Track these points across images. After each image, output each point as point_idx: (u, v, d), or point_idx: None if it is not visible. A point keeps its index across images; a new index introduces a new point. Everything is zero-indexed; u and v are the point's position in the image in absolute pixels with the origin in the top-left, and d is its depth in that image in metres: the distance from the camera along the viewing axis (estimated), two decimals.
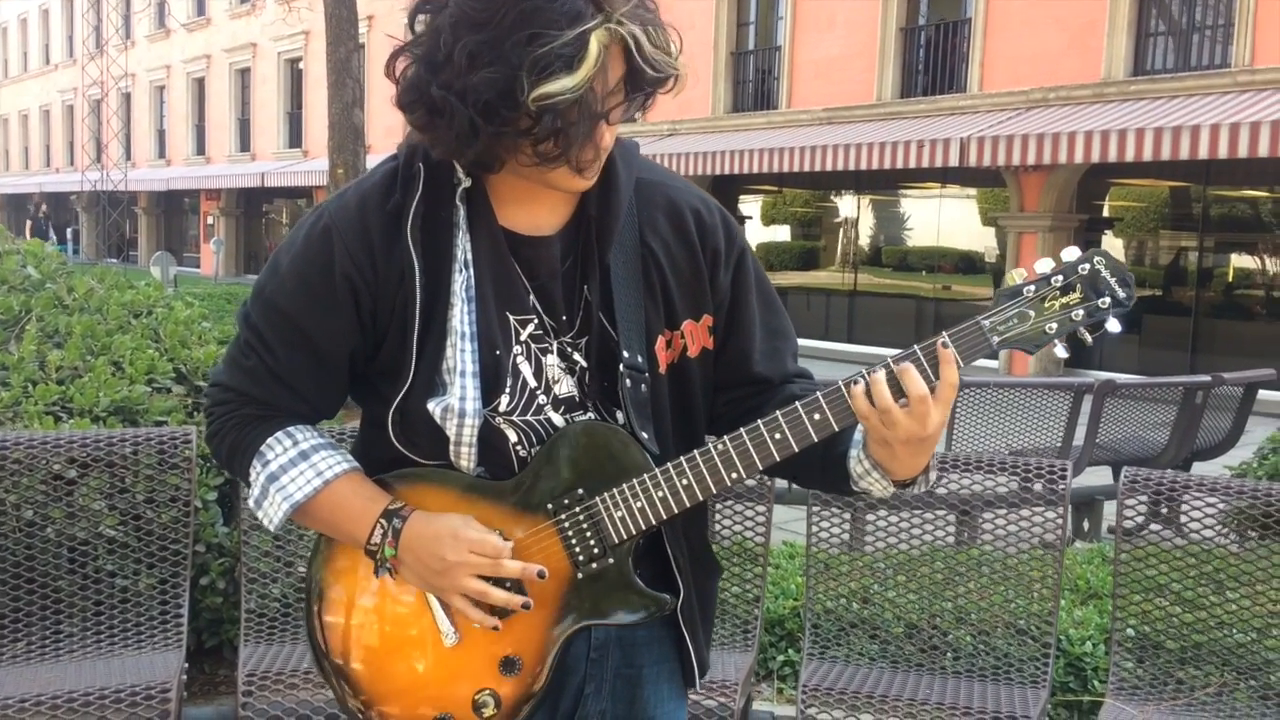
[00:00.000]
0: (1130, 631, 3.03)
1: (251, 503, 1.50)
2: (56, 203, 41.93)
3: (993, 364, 14.82)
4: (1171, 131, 11.71)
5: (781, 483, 4.81)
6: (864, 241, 18.23)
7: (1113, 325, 1.38)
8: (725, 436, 1.40)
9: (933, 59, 16.35)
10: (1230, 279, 14.02)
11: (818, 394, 1.39)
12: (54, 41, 42.14)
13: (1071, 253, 1.39)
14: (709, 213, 1.53)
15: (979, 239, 16.52)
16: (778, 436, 1.38)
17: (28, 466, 2.95)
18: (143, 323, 3.85)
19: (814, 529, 3.23)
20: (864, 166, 15.08)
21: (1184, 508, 3.07)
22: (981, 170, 14.54)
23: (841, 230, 18.66)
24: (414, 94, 1.31)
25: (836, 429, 1.39)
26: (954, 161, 13.88)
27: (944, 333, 1.37)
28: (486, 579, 1.40)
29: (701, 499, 1.41)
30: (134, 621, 3.01)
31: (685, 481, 1.40)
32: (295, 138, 30.06)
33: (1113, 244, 15.46)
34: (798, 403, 1.39)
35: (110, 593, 3.04)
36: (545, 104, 1.24)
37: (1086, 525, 5.86)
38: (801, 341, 1.63)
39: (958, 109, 15.19)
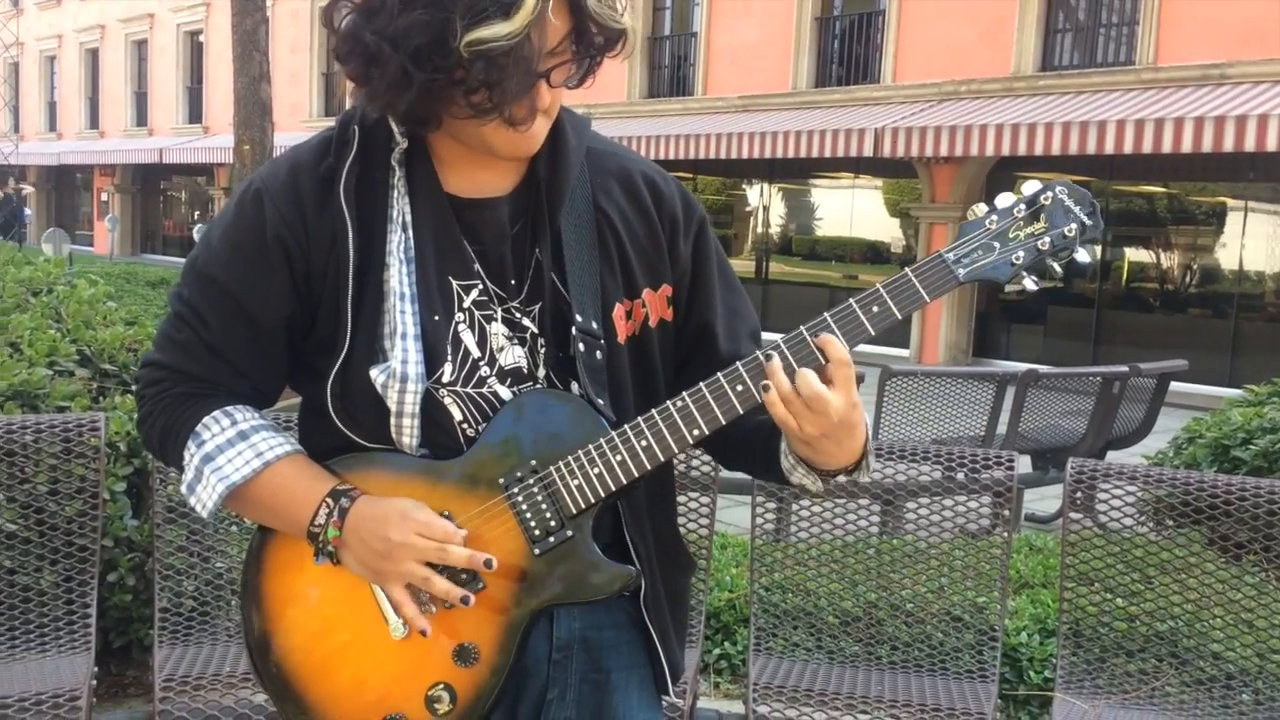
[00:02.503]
0: (1068, 624, 3.03)
1: (184, 488, 1.39)
2: None
3: (904, 352, 15.06)
4: (1079, 126, 11.98)
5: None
6: (775, 230, 18.33)
7: (1081, 255, 1.35)
8: (684, 392, 1.33)
9: (847, 49, 16.48)
10: (1129, 272, 14.43)
11: (778, 341, 1.32)
12: None
13: (1032, 185, 1.36)
14: (664, 182, 1.49)
15: (889, 229, 16.73)
16: (739, 388, 1.31)
17: None
18: (42, 301, 3.60)
19: (757, 520, 3.16)
20: (778, 155, 15.15)
21: (1104, 496, 3.08)
22: (894, 161, 14.73)
23: (753, 218, 18.74)
24: (350, 43, 1.25)
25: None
26: (868, 152, 14.02)
27: (907, 269, 1.33)
28: (432, 567, 1.30)
29: (663, 459, 1.33)
30: (37, 622, 2.80)
31: (645, 443, 1.32)
32: (195, 113, 29.14)
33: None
34: (758, 352, 1.33)
35: (10, 592, 2.82)
36: (478, 49, 1.19)
37: (1007, 514, 5.92)
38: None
39: (871, 100, 15.34)
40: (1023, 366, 7.06)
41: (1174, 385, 6.64)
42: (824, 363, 1.29)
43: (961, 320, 15.11)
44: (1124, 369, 5.95)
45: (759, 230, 18.52)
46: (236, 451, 1.35)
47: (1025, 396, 5.61)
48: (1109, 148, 11.80)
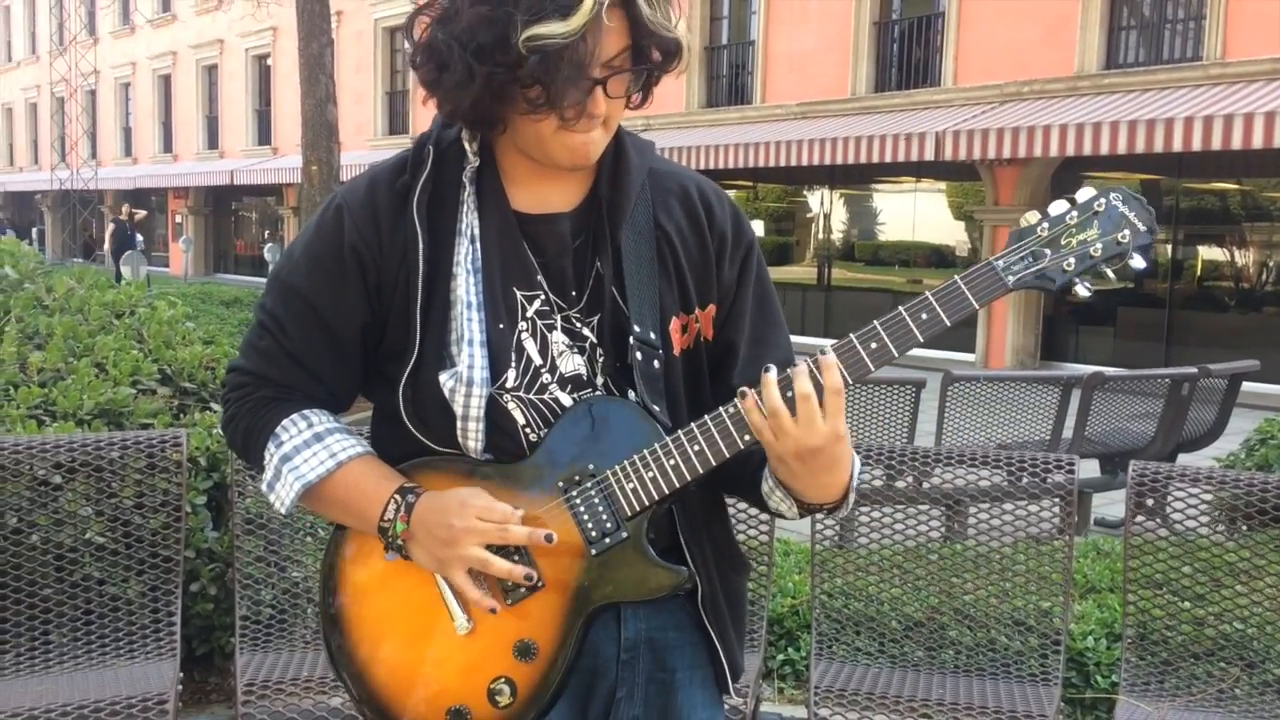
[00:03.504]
0: (1134, 628, 3.01)
1: (264, 486, 1.47)
2: (20, 202, 41.33)
3: (970, 357, 14.92)
4: (1145, 125, 11.78)
5: None
6: (837, 236, 18.25)
7: (1136, 261, 1.36)
8: (736, 400, 1.37)
9: (906, 53, 16.38)
10: (1202, 271, 14.14)
11: (828, 350, 1.35)
12: (16, 38, 41.51)
13: (1086, 191, 1.38)
14: (719, 203, 1.54)
15: (953, 233, 16.58)
16: (789, 394, 1.34)
17: (12, 472, 2.86)
18: (125, 323, 3.76)
19: (818, 526, 3.19)
20: (838, 161, 15.09)
21: (1173, 500, 3.06)
22: (956, 164, 14.59)
23: (815, 225, 18.68)
24: (425, 49, 1.34)
25: (849, 383, 1.36)
26: (929, 156, 13.91)
27: (956, 277, 1.36)
28: (494, 550, 1.36)
29: (714, 464, 1.37)
30: (125, 630, 2.93)
31: (697, 447, 1.37)
32: (264, 135, 29.78)
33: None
34: (789, 370, 1.35)
35: (100, 601, 2.96)
36: (534, 45, 1.25)
37: (1075, 518, 5.86)
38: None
39: (932, 103, 15.22)
40: (1090, 369, 6.99)
41: (1246, 386, 6.51)
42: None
43: (1028, 324, 14.91)
44: (1193, 370, 5.85)
45: (821, 236, 18.45)
46: (312, 452, 1.43)
47: (1091, 400, 5.55)
48: (1177, 145, 11.58)
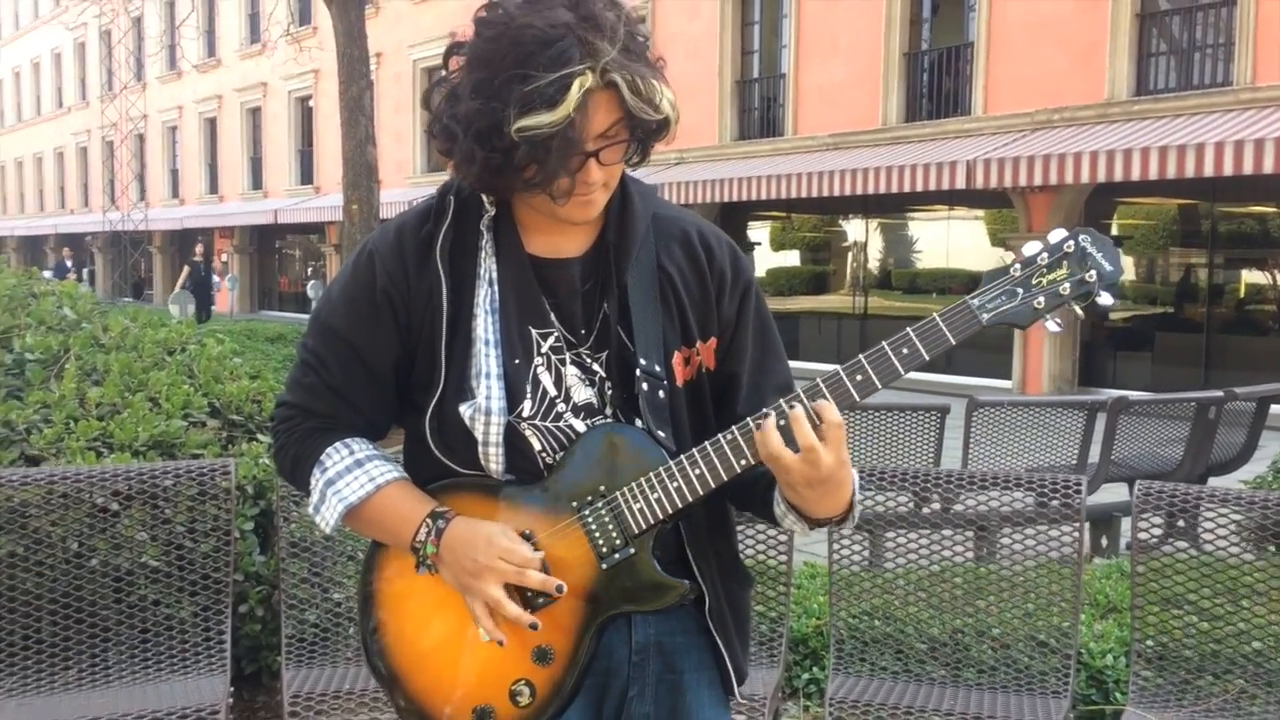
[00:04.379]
0: (1149, 643, 3.09)
1: (310, 509, 1.62)
2: (71, 243, 42.33)
3: (1006, 383, 14.91)
4: (1176, 150, 11.81)
5: None
6: (873, 265, 18.32)
7: (1104, 298, 1.46)
8: (733, 426, 1.50)
9: (936, 83, 16.51)
10: (1241, 294, 14.07)
11: (817, 382, 1.49)
12: (66, 84, 42.65)
13: (1058, 234, 1.48)
14: (719, 245, 1.67)
15: (988, 259, 16.59)
16: (782, 423, 1.47)
17: (74, 500, 3.05)
18: (177, 359, 3.96)
19: (834, 548, 3.30)
20: (871, 191, 15.20)
21: (1202, 522, 3.14)
22: (989, 192, 14.66)
23: (850, 254, 18.77)
24: (436, 123, 1.49)
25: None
26: (960, 184, 14.00)
27: (935, 315, 1.49)
28: (512, 587, 1.50)
29: (714, 486, 1.50)
30: (178, 648, 3.10)
31: (698, 471, 1.50)
32: (307, 174, 30.37)
33: (1125, 262, 15.54)
34: (781, 401, 1.49)
35: (154, 621, 3.13)
36: (525, 135, 1.39)
37: (1105, 542, 5.91)
38: (813, 366, 1.71)
39: (963, 132, 15.32)
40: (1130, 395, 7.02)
41: (1276, 409, 6.54)
42: (819, 423, 1.45)
43: (1065, 350, 14.89)
44: (1219, 394, 5.90)
45: (856, 265, 18.53)
46: (353, 477, 1.58)
47: (1117, 424, 5.61)
48: (1208, 170, 11.60)
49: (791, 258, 19.98)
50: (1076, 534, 3.06)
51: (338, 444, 1.61)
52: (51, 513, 3.04)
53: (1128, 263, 15.45)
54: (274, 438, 1.67)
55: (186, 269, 24.38)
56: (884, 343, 1.50)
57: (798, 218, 19.44)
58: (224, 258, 33.22)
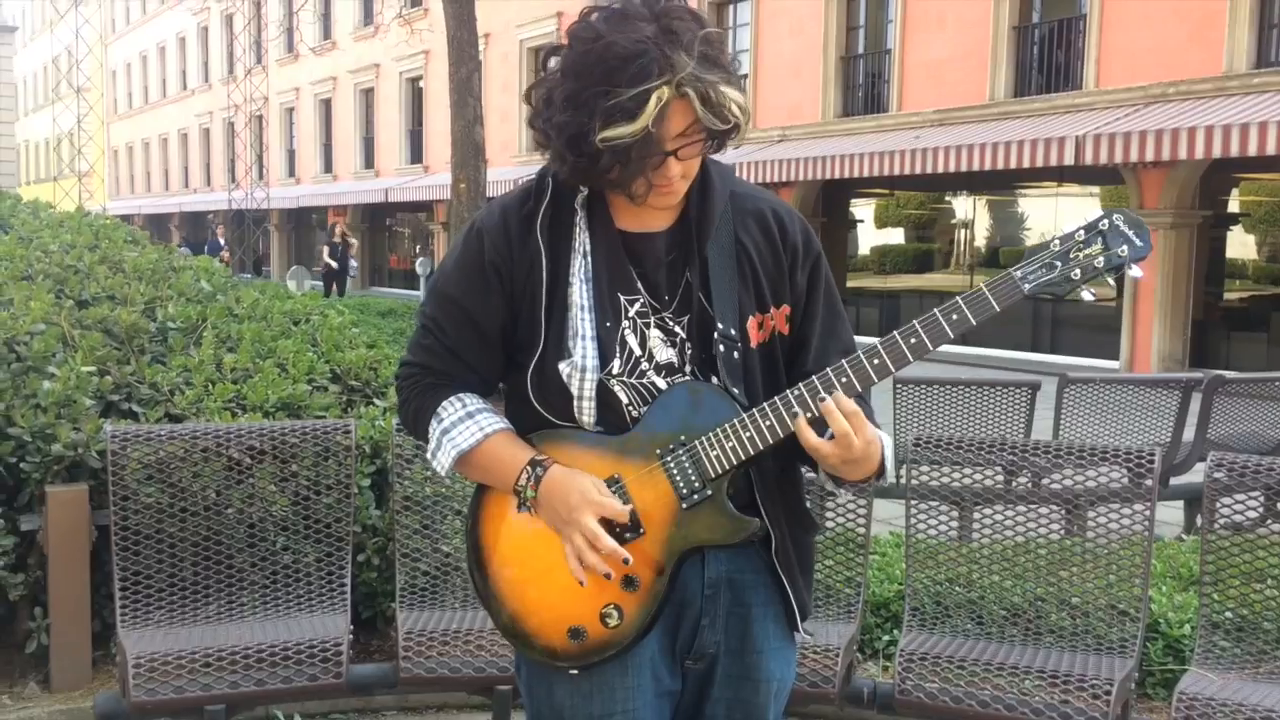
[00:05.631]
0: (1229, 614, 3.18)
1: (429, 454, 1.85)
2: (193, 222, 44.08)
3: (1114, 364, 14.64)
4: None
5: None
6: (980, 243, 18.11)
7: (1134, 271, 1.64)
8: (800, 383, 1.70)
9: (1047, 57, 16.19)
10: None
11: (876, 344, 1.68)
12: (190, 68, 44.33)
13: (1094, 213, 1.66)
14: (791, 221, 1.86)
15: None
16: (844, 380, 1.67)
17: (213, 454, 3.38)
18: (302, 329, 4.29)
19: (914, 519, 3.45)
20: (977, 167, 15.03)
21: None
22: (1099, 168, 14.38)
23: (957, 232, 18.57)
24: (534, 122, 1.71)
25: (894, 370, 1.69)
26: (1069, 160, 13.76)
27: (982, 285, 1.66)
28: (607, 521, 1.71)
29: (783, 435, 1.69)
30: (303, 591, 3.41)
31: (769, 422, 1.69)
32: (416, 154, 31.10)
33: (1242, 239, 15.11)
34: (860, 354, 1.69)
35: (282, 565, 3.45)
36: (608, 144, 1.59)
37: (1200, 520, 5.89)
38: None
39: (1073, 107, 15.03)
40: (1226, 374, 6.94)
41: None
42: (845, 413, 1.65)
43: (1175, 329, 14.55)
44: None
45: (963, 243, 18.34)
46: (465, 427, 1.80)
47: (1212, 403, 5.59)
48: None
49: (895, 235, 19.84)
50: (1149, 510, 3.16)
51: (452, 398, 1.83)
52: (193, 465, 3.37)
53: (1247, 240, 15.01)
54: (398, 393, 1.90)
55: (325, 248, 25.29)
56: (935, 310, 1.67)
57: (902, 195, 19.29)
58: (335, 239, 34.33)
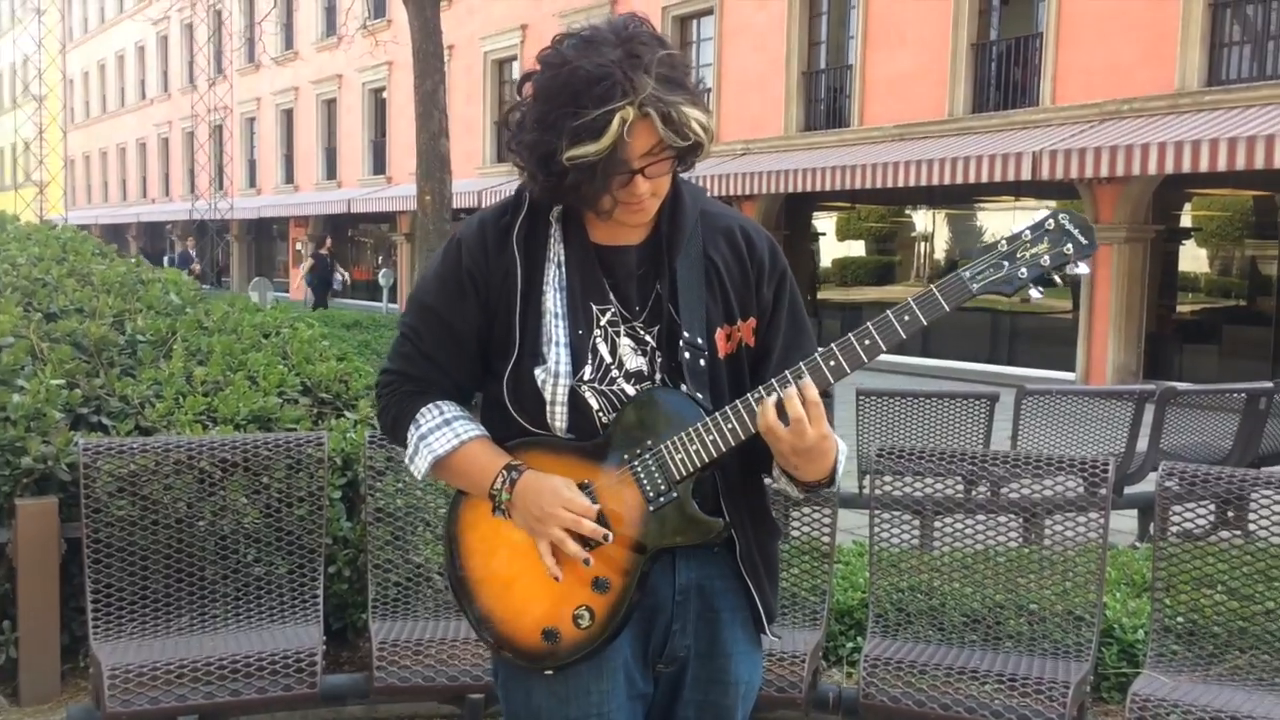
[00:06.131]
0: (1180, 619, 3.29)
1: (406, 459, 1.91)
2: (151, 232, 43.62)
3: (1070, 375, 14.89)
4: (1245, 141, 11.73)
5: (849, 489, 5.15)
6: (939, 255, 18.34)
7: (1080, 268, 1.71)
8: (760, 387, 1.76)
9: (1004, 74, 16.46)
10: None
11: (832, 346, 1.74)
12: (149, 77, 43.91)
13: (1040, 214, 1.73)
14: (758, 238, 1.94)
15: None
16: (802, 381, 1.73)
17: (186, 466, 3.39)
18: (272, 342, 4.31)
19: (877, 529, 3.54)
20: (937, 182, 15.24)
21: (1250, 513, 3.34)
22: (1055, 183, 14.63)
23: (916, 244, 18.80)
24: (509, 142, 1.79)
25: (849, 370, 1.75)
26: (1026, 175, 13.99)
27: (932, 286, 1.73)
28: (570, 533, 1.77)
29: (744, 438, 1.75)
30: (275, 604, 3.43)
31: (730, 425, 1.76)
32: (379, 165, 31.00)
33: (1194, 254, 15.42)
34: (816, 354, 1.75)
35: (252, 578, 3.46)
36: (574, 162, 1.67)
37: (1153, 528, 6.03)
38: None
39: (1030, 123, 15.29)
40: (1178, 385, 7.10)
41: None
42: (805, 401, 1.70)
43: (1130, 341, 14.83)
44: (1269, 385, 5.99)
45: (922, 255, 18.57)
46: (442, 433, 1.87)
47: (1164, 414, 5.74)
48: (1279, 162, 11.51)
49: (857, 248, 20.05)
50: (1103, 517, 3.26)
51: (430, 405, 1.90)
52: (165, 478, 3.39)
53: (1199, 255, 15.32)
54: (378, 399, 1.97)
55: (311, 261, 25.10)
56: (888, 311, 1.75)
57: (863, 208, 19.51)
58: (297, 246, 34.06)
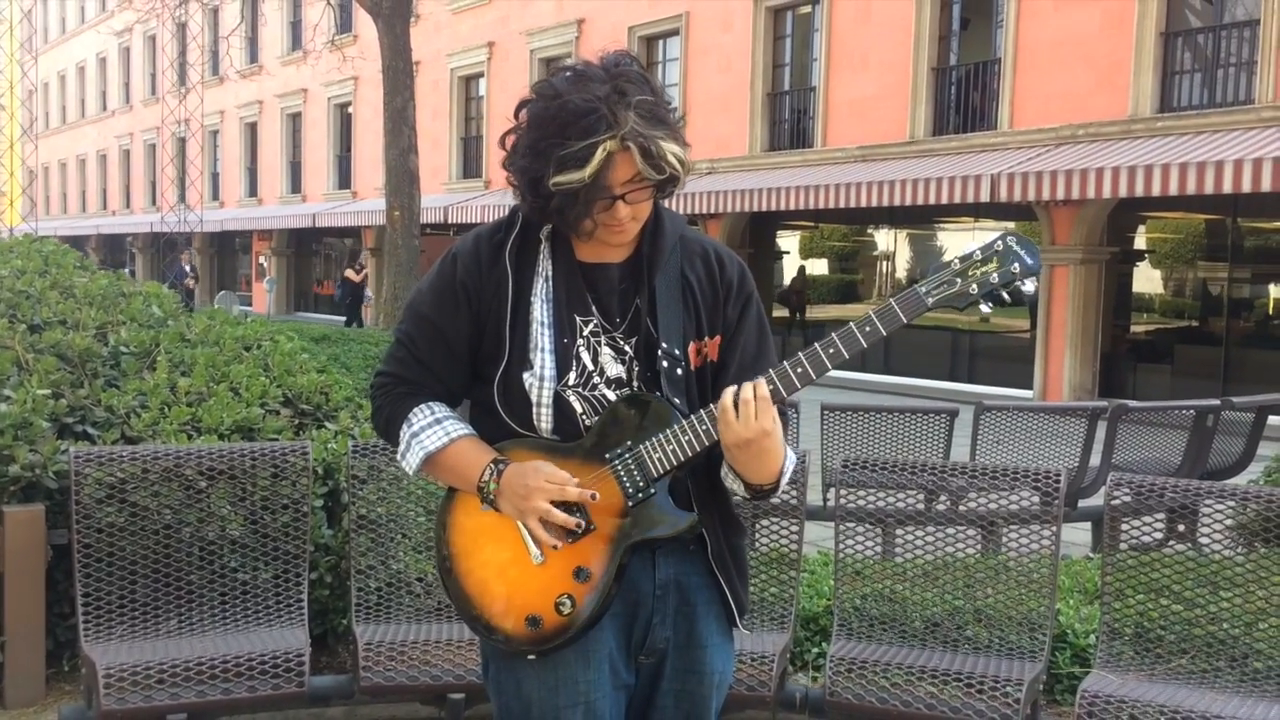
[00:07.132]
0: (1130, 627, 3.47)
1: (399, 457, 2.05)
2: (111, 244, 43.20)
3: (1027, 393, 15.19)
4: (1196, 167, 12.09)
5: (815, 500, 5.29)
6: (900, 274, 18.64)
7: (1027, 286, 1.87)
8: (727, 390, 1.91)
9: (964, 98, 16.82)
10: (1268, 309, 14.31)
11: (799, 354, 1.89)
12: (111, 89, 43.58)
13: (989, 236, 1.90)
14: (730, 261, 2.11)
15: None
16: (771, 388, 1.88)
17: (173, 475, 3.48)
18: (254, 354, 4.41)
19: (841, 539, 3.69)
20: (898, 202, 15.54)
21: (1200, 525, 3.54)
22: (1013, 205, 14.96)
23: (878, 263, 19.10)
24: (504, 164, 1.96)
25: (815, 377, 1.89)
26: (985, 197, 14.32)
27: (891, 299, 1.89)
28: (556, 505, 1.90)
29: (717, 439, 1.89)
30: (259, 608, 3.53)
31: (704, 427, 1.91)
32: (344, 179, 30.98)
33: (1148, 275, 15.82)
34: (785, 362, 1.90)
35: (236, 585, 3.56)
36: (559, 188, 1.83)
37: (1105, 535, 6.23)
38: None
39: (989, 146, 15.63)
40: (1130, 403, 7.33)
41: (1274, 420, 6.84)
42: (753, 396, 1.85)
43: (1085, 360, 15.17)
44: (1216, 402, 6.22)
45: (884, 274, 18.86)
46: (433, 431, 2.01)
47: (1116, 430, 5.95)
48: (1227, 186, 11.88)
49: (820, 266, 20.33)
50: (1054, 527, 3.44)
51: (422, 405, 2.04)
52: (150, 486, 3.48)
53: (1153, 276, 15.71)
54: (372, 400, 2.11)
55: (354, 277, 24.90)
56: (851, 323, 1.91)
57: (826, 228, 19.80)
58: (261, 259, 33.89)
